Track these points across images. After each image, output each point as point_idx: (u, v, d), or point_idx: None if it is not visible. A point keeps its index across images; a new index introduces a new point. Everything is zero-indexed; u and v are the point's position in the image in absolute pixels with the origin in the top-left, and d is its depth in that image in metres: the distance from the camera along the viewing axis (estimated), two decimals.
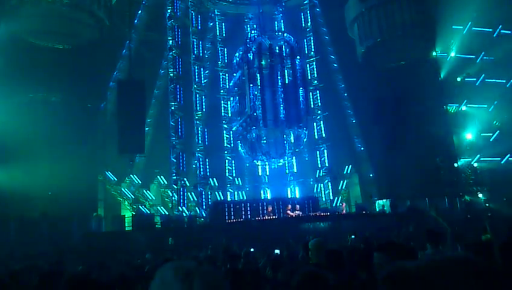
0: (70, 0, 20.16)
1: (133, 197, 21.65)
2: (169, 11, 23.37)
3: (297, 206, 18.42)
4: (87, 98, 21.12)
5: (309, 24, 25.84)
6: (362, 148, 24.63)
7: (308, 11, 25.91)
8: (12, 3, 19.46)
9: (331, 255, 3.87)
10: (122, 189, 21.76)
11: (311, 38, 25.56)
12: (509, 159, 23.66)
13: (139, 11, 24.04)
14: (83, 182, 19.38)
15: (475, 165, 24.41)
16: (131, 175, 22.16)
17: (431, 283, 1.31)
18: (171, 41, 23.12)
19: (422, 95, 22.27)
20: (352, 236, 10.50)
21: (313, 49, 25.39)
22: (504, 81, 24.92)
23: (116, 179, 21.78)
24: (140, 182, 22.31)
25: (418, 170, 21.36)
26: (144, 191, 22.18)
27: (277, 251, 7.10)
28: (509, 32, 24.63)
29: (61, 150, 18.54)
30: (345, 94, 25.16)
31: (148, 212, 20.57)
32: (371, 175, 24.02)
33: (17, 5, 19.51)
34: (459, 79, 25.07)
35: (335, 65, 25.52)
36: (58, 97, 20.42)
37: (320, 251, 5.26)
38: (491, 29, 24.70)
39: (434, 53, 23.83)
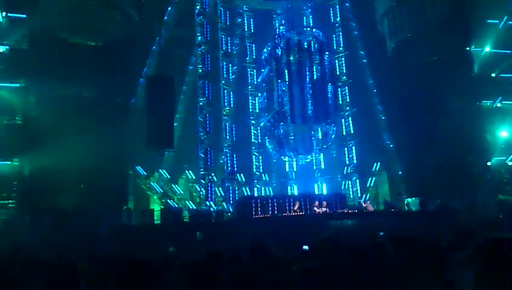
0: None
1: (162, 191, 21.98)
2: (198, 7, 23.56)
3: (324, 202, 18.31)
4: (117, 94, 21.54)
5: (338, 19, 25.54)
6: (391, 145, 24.20)
7: (337, 6, 25.61)
8: (47, 1, 19.97)
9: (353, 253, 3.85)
10: (152, 183, 22.13)
11: (340, 33, 25.27)
12: None
13: (169, 8, 24.27)
14: (114, 176, 19.87)
15: (510, 163, 23.64)
16: (160, 170, 22.50)
17: None
18: (200, 38, 23.33)
19: (454, 91, 21.67)
20: (381, 233, 10.33)
21: (341, 45, 25.11)
22: None
23: (145, 174, 22.16)
24: (169, 177, 22.62)
25: (449, 168, 20.86)
26: (173, 185, 22.47)
27: (306, 247, 7.03)
28: None
29: (93, 145, 19.01)
30: (374, 90, 24.74)
31: (177, 206, 20.87)
32: (400, 173, 23.59)
33: (51, 3, 20.01)
34: (493, 75, 24.28)
35: (364, 61, 25.12)
36: (90, 93, 20.89)
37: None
38: None
39: (468, 48, 23.16)
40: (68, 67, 19.72)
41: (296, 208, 18.21)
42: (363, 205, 19.78)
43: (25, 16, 19.39)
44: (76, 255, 7.41)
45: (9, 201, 18.70)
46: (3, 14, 18.56)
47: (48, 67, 19.49)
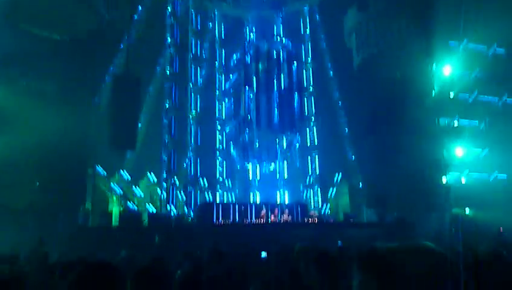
0: None
1: (122, 192, 21.52)
2: (169, 9, 23.40)
3: (286, 210, 18.47)
4: (81, 90, 20.98)
5: (307, 31, 25.99)
6: (353, 158, 24.74)
7: (308, 18, 26.06)
8: None
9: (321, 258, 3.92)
10: (112, 184, 21.64)
11: (309, 44, 25.71)
12: (497, 175, 23.93)
13: (139, 7, 23.96)
14: (72, 174, 19.28)
15: (463, 180, 24.62)
16: (121, 170, 22.05)
17: (396, 262, 1.65)
18: (169, 39, 23.14)
19: (416, 108, 22.42)
20: (339, 242, 10.53)
21: (310, 56, 25.54)
22: (497, 98, 25.22)
23: (106, 174, 21.65)
24: (129, 178, 22.20)
25: (407, 183, 21.50)
26: (133, 187, 22.07)
27: (264, 254, 7.10)
28: (504, 50, 24.97)
29: (52, 141, 18.43)
30: (340, 102, 25.27)
31: (136, 209, 20.49)
32: (360, 184, 24.13)
33: None
34: (452, 94, 25.29)
35: (331, 73, 25.64)
36: (52, 87, 20.27)
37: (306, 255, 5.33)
38: (485, 46, 25.02)
39: (430, 67, 24.05)
40: (31, 60, 19.09)
41: (262, 215, 18.30)
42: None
43: None
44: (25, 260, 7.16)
45: None
46: None
47: (9, 59, 18.80)
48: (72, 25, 20.78)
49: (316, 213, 20.41)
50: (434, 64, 24.26)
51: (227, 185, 24.00)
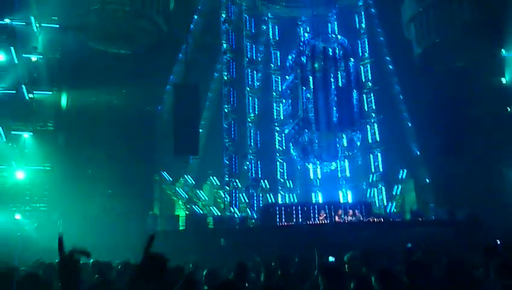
0: (131, 8, 21.10)
1: (187, 197, 22.25)
2: (223, 15, 23.90)
3: (350, 211, 18.18)
4: (145, 101, 22.02)
5: (363, 25, 25.39)
6: (418, 153, 23.79)
7: (363, 12, 25.46)
8: (79, 12, 20.61)
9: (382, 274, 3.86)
10: (177, 189, 22.44)
11: (366, 40, 25.09)
12: None
13: (195, 16, 24.65)
14: (141, 181, 20.32)
15: None
16: (185, 175, 22.80)
17: None
18: (225, 45, 23.64)
19: (484, 98, 21.21)
20: (409, 244, 10.10)
21: (367, 51, 24.92)
22: None
23: (171, 179, 22.49)
24: (194, 183, 22.90)
25: (479, 177, 20.35)
26: (197, 191, 22.74)
27: (332, 259, 7.03)
28: None
29: (122, 151, 19.58)
30: (401, 97, 24.41)
31: (201, 212, 21.10)
32: (427, 180, 23.16)
33: (83, 14, 20.64)
34: None
35: (390, 67, 24.84)
36: (119, 100, 21.44)
37: (355, 265, 5.26)
38: None
39: (498, 53, 22.60)
40: (98, 76, 20.33)
41: (322, 217, 18.16)
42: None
43: (57, 25, 20.04)
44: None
45: (41, 205, 19.27)
46: (37, 24, 19.25)
47: (79, 76, 20.17)
48: (134, 39, 21.85)
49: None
50: (504, 51, 22.76)
51: (288, 186, 24.03)
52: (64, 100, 20.61)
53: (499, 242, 9.74)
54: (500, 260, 4.04)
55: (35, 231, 16.62)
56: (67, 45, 20.53)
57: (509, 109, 22.77)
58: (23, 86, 18.37)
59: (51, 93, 19.66)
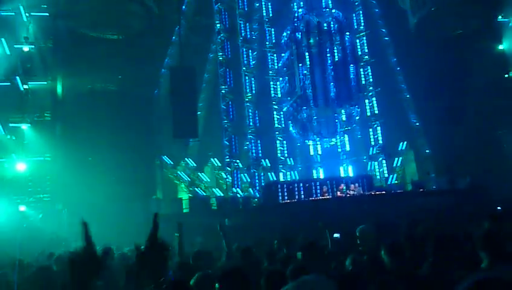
0: None
1: (189, 179, 22.34)
2: None
3: (352, 185, 18.28)
4: (141, 86, 21.88)
5: None
6: (417, 124, 23.77)
7: None
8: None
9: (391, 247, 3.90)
10: (178, 172, 22.51)
11: (360, 12, 24.74)
12: None
13: None
14: (142, 166, 20.38)
15: None
16: (186, 158, 22.84)
17: None
18: (218, 25, 23.34)
19: (481, 64, 21.07)
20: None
21: (362, 24, 24.60)
22: None
23: (172, 163, 22.54)
24: (195, 165, 22.95)
25: (479, 145, 20.41)
26: (199, 173, 22.81)
27: (337, 235, 7.09)
28: None
29: (121, 137, 19.56)
30: (398, 68, 24.24)
31: (204, 194, 21.22)
32: (427, 151, 23.21)
33: (73, 1, 20.34)
34: None
35: (386, 39, 24.58)
36: (115, 86, 21.32)
37: (368, 238, 5.30)
38: None
39: (495, 19, 22.36)
40: (92, 63, 20.16)
41: (324, 192, 18.28)
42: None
43: (47, 14, 19.76)
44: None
45: (44, 195, 19.37)
46: (27, 13, 18.97)
47: (72, 64, 19.98)
48: (125, 23, 21.59)
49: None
50: (500, 16, 22.52)
51: (289, 163, 24.08)
52: (59, 89, 20.48)
53: (499, 209, 9.83)
54: (484, 231, 4.08)
55: (41, 222, 16.73)
56: (58, 33, 20.31)
57: (507, 75, 22.68)
58: (17, 77, 18.23)
59: (45, 83, 19.54)
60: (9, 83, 18.15)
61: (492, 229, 4.55)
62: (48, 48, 20.02)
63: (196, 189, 21.76)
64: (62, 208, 17.35)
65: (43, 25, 19.79)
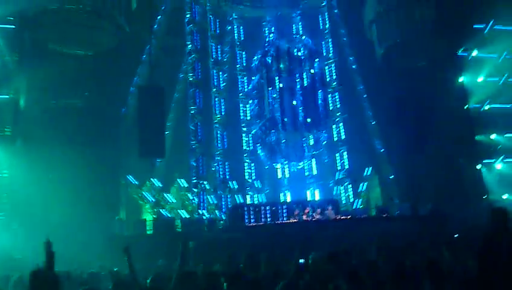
0: (92, 8, 20.56)
1: (154, 200, 21.89)
2: (187, 15, 23.65)
3: (319, 209, 18.40)
4: (108, 104, 21.50)
5: (327, 26, 25.71)
6: (382, 150, 24.36)
7: (326, 13, 25.78)
8: (36, 11, 19.91)
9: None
10: (143, 192, 22.04)
11: (330, 40, 25.43)
12: None
13: (158, 16, 24.28)
14: (106, 185, 19.79)
15: (498, 166, 23.90)
16: (151, 179, 22.42)
17: None
18: (190, 46, 23.39)
19: (444, 95, 21.96)
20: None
21: (331, 51, 25.25)
22: None
23: (137, 183, 22.06)
24: (161, 185, 22.55)
25: (440, 171, 21.06)
26: (165, 194, 22.40)
27: (302, 261, 7.03)
28: None
29: (84, 155, 18.99)
30: (365, 95, 24.91)
31: (169, 215, 20.80)
32: (391, 177, 23.75)
33: (40, 14, 19.97)
34: (480, 79, 24.57)
35: (354, 66, 25.31)
36: (81, 103, 20.86)
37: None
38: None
39: (456, 52, 23.44)
40: (58, 78, 19.68)
41: (296, 214, 18.37)
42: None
43: (13, 26, 19.29)
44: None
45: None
46: None
47: (37, 78, 19.43)
48: (95, 40, 21.32)
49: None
50: (460, 50, 23.64)
51: (256, 186, 24.05)
52: (22, 103, 19.84)
53: (456, 236, 10.09)
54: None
55: None
56: (24, 46, 19.81)
57: (466, 107, 23.67)
58: None
59: (7, 96, 18.90)
60: None
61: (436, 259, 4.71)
62: (13, 61, 19.45)
63: (161, 210, 21.32)
64: (17, 227, 16.57)
65: (8, 36, 19.27)
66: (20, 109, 19.72)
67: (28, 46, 19.91)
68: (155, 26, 24.10)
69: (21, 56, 19.69)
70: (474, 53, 24.24)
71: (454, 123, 21.87)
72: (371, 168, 23.59)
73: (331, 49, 25.29)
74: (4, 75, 18.88)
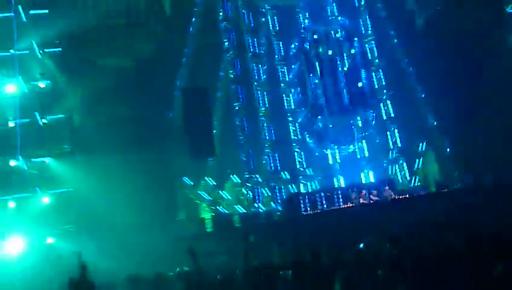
0: (127, 20, 21.19)
1: (210, 198, 22.36)
2: (221, 13, 23.80)
3: (375, 191, 18.09)
4: (155, 110, 22.16)
5: (362, 2, 24.95)
6: (435, 123, 23.45)
7: None
8: (79, 31, 20.79)
9: None
10: (199, 192, 22.57)
11: (367, 16, 24.69)
12: None
13: (193, 19, 24.59)
14: (163, 189, 20.51)
15: None
16: (205, 178, 22.91)
17: None
18: (226, 43, 23.57)
19: (493, 58, 20.79)
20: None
21: (370, 29, 24.52)
22: None
23: (192, 183, 22.61)
24: (215, 183, 22.99)
25: (499, 139, 20.00)
26: (220, 191, 22.82)
27: (361, 245, 7.01)
28: None
29: (140, 162, 19.74)
30: (410, 69, 24.02)
31: (226, 212, 21.20)
32: (448, 150, 22.83)
33: (84, 33, 20.83)
34: None
35: (395, 41, 24.44)
36: (130, 113, 21.61)
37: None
38: None
39: (503, 11, 22.07)
40: (106, 91, 20.50)
41: (353, 198, 18.23)
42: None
43: (60, 49, 20.24)
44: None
45: (69, 226, 19.60)
46: (41, 51, 19.47)
47: (87, 94, 20.36)
48: (136, 50, 21.98)
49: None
50: (509, 7, 22.22)
51: (308, 174, 23.89)
52: (76, 120, 20.88)
53: None
54: None
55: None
56: (72, 65, 20.75)
57: None
58: (36, 113, 18.65)
59: (63, 116, 19.92)
60: (29, 119, 18.58)
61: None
62: (62, 81, 20.46)
63: (218, 207, 21.76)
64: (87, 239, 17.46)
65: (56, 59, 20.25)
66: (75, 126, 20.77)
67: (75, 65, 20.83)
68: (191, 29, 24.46)
69: (70, 75, 20.66)
70: None
71: (508, 86, 20.62)
72: (424, 143, 22.80)
73: (369, 26, 24.55)
74: (57, 96, 19.88)
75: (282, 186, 22.75)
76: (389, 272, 4.74)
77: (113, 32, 21.45)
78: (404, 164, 22.80)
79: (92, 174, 19.13)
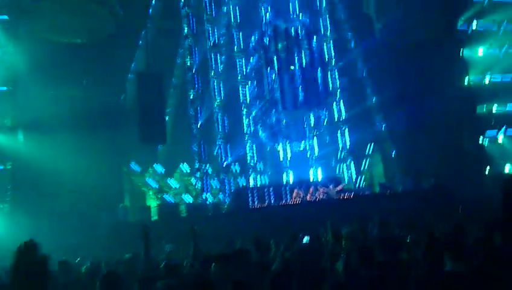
0: None
1: (157, 186, 21.99)
2: None
3: (322, 189, 18.45)
4: (107, 91, 21.40)
5: (324, 3, 25.32)
6: (383, 127, 24.28)
7: None
8: (29, 1, 19.67)
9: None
10: (146, 179, 22.13)
11: (327, 17, 25.09)
12: None
13: (153, 1, 23.96)
14: (108, 174, 19.87)
15: (500, 138, 23.84)
16: (154, 165, 22.48)
17: None
18: (186, 30, 23.14)
19: (444, 70, 21.80)
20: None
21: (329, 29, 24.94)
22: None
23: (140, 170, 22.13)
24: (163, 171, 22.62)
25: (442, 146, 21.04)
26: (168, 180, 22.48)
27: (306, 239, 7.09)
28: None
29: (86, 144, 19.01)
30: (364, 72, 24.70)
31: (173, 201, 20.92)
32: (394, 152, 23.73)
33: (34, 3, 19.71)
34: (481, 52, 24.31)
35: (352, 43, 25.03)
36: (79, 92, 20.77)
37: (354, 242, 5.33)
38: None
39: (455, 27, 23.14)
40: (56, 68, 19.53)
41: (297, 194, 18.39)
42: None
43: (6, 17, 19.08)
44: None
45: (4, 205, 18.63)
46: None
47: (36, 70, 19.28)
48: (90, 28, 21.10)
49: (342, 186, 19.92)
50: (460, 24, 23.33)
51: (258, 168, 24.04)
52: (20, 94, 19.76)
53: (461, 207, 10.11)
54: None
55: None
56: (19, 37, 19.61)
57: (466, 82, 23.47)
58: None
59: (5, 88, 18.82)
60: None
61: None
62: (9, 53, 19.30)
63: (165, 196, 21.44)
64: (21, 217, 16.67)
65: (3, 27, 19.08)
66: (18, 100, 19.66)
67: (23, 37, 19.69)
68: (150, 11, 23.82)
69: (17, 47, 19.52)
70: (474, 27, 23.91)
71: (456, 97, 21.71)
72: (372, 145, 23.59)
73: (328, 26, 24.96)
74: (1, 67, 18.75)
75: (232, 179, 22.76)
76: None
77: (68, 5, 20.41)
78: (352, 163, 23.46)
79: (34, 153, 18.24)
